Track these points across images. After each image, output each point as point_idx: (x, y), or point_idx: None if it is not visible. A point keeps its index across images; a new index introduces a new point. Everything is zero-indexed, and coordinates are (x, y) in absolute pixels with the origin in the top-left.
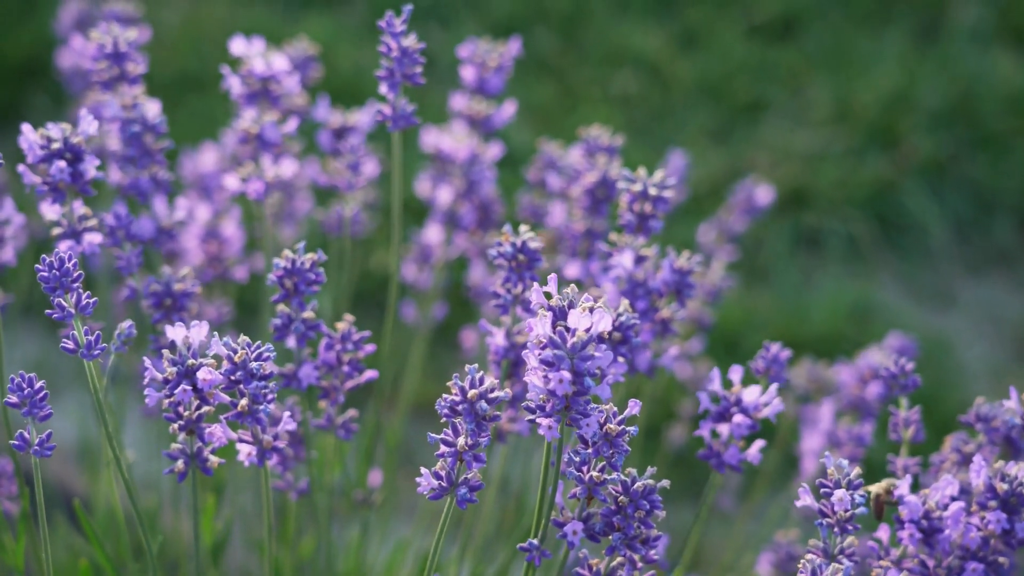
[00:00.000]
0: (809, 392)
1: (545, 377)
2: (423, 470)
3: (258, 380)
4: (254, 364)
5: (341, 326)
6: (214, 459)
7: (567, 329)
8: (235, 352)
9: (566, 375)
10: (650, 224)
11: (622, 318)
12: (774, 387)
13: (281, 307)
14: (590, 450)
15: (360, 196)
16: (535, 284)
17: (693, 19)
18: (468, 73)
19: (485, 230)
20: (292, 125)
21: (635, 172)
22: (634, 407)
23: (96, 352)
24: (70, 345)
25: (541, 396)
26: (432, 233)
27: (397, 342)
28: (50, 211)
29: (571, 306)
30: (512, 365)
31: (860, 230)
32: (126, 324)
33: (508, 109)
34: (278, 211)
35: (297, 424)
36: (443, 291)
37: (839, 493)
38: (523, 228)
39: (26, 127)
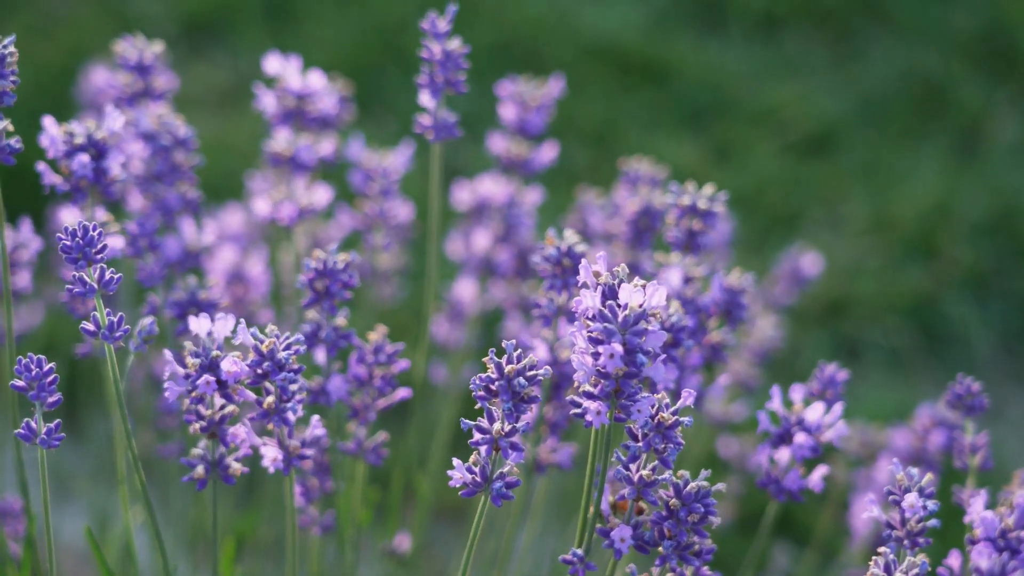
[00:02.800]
0: (862, 457)
1: (595, 354)
2: (455, 461)
3: (287, 372)
4: (282, 354)
5: (373, 336)
6: (236, 466)
7: (618, 305)
8: (262, 342)
9: (618, 348)
10: (699, 241)
11: (673, 319)
12: (838, 406)
13: (310, 314)
14: (640, 444)
15: (391, 262)
16: (584, 260)
17: (726, 135)
18: (508, 112)
19: (523, 279)
20: (328, 148)
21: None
22: (688, 397)
23: (118, 335)
24: (90, 327)
25: (590, 380)
26: (465, 287)
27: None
28: (70, 216)
29: (621, 284)
30: (554, 387)
31: (901, 340)
32: (147, 320)
33: (548, 151)
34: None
35: (323, 451)
36: (475, 351)
37: (910, 498)
38: (568, 232)
39: (48, 120)
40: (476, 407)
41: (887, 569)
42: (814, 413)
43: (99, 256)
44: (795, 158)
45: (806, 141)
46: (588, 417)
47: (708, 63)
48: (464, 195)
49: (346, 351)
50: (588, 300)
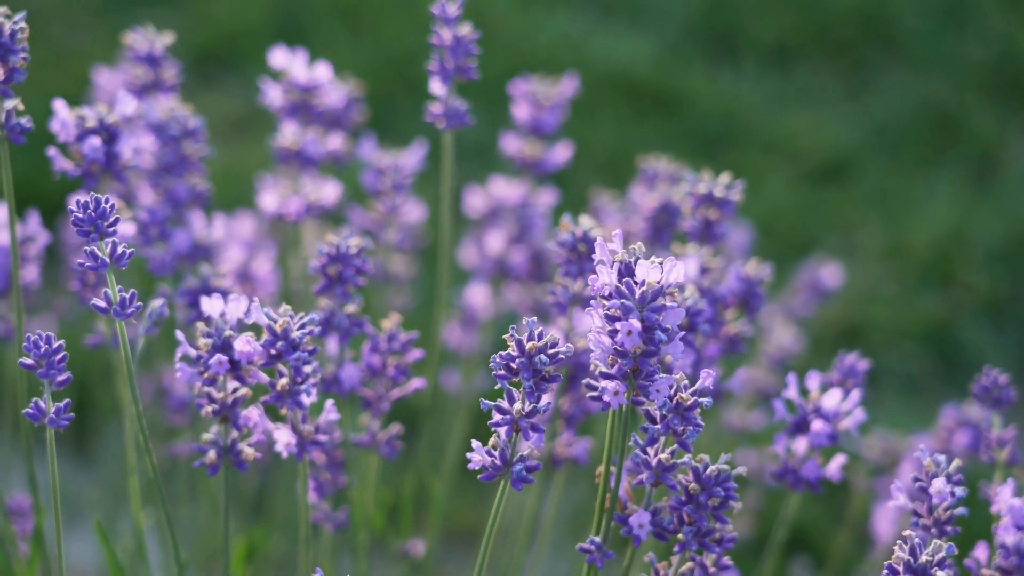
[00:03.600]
0: (883, 465)
1: (612, 332)
2: (475, 443)
3: (300, 352)
4: (296, 334)
5: (387, 324)
6: (249, 451)
7: (635, 282)
8: (276, 321)
9: (635, 324)
10: (716, 231)
11: (689, 302)
12: (856, 393)
13: (323, 301)
14: (659, 426)
15: (403, 265)
16: (599, 239)
17: (738, 164)
18: (521, 111)
19: (537, 282)
20: (336, 142)
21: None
22: (706, 378)
23: (130, 311)
24: (102, 304)
25: (607, 360)
26: (478, 292)
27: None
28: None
29: (638, 261)
30: (570, 378)
31: (917, 367)
32: (158, 302)
33: (562, 152)
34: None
35: (336, 445)
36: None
37: (937, 483)
38: (584, 218)
39: (59, 103)
40: (496, 387)
41: (913, 552)
42: (831, 400)
43: (111, 229)
44: (809, 186)
45: (820, 169)
46: (605, 398)
47: (720, 92)
48: (476, 201)
49: (359, 340)
50: (604, 276)
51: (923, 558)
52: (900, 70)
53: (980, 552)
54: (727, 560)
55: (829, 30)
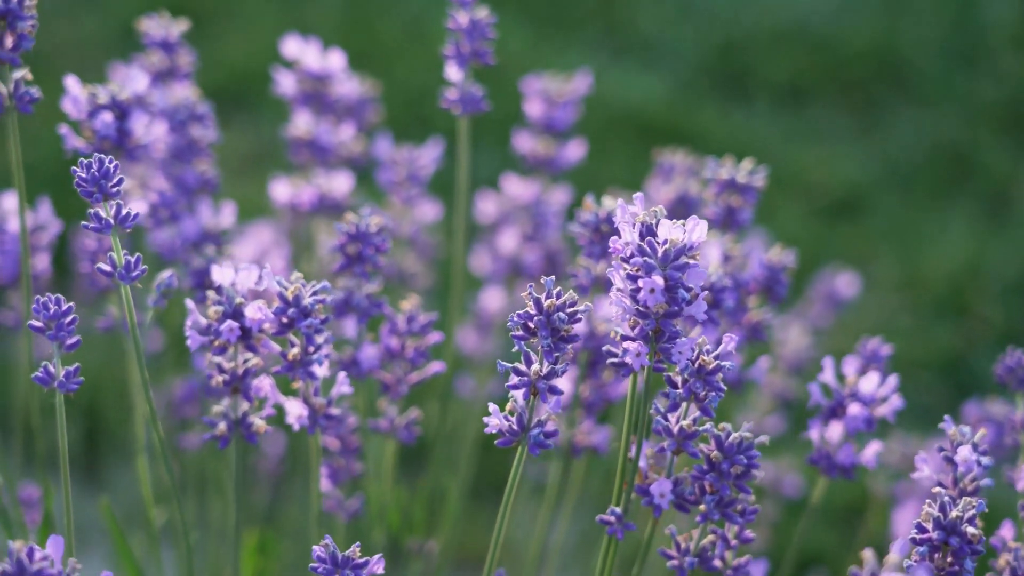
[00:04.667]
0: (902, 471)
1: (633, 291)
2: (492, 407)
3: (312, 319)
4: (308, 300)
5: (406, 305)
6: (260, 423)
7: (658, 241)
8: (287, 288)
9: (658, 281)
10: (739, 217)
11: (713, 278)
12: (893, 378)
13: (342, 282)
14: (680, 390)
15: (417, 264)
16: (620, 201)
17: None
18: (534, 108)
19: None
20: (348, 131)
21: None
22: (729, 342)
23: (135, 274)
24: (107, 267)
25: (628, 321)
26: (492, 296)
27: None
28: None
29: (660, 221)
30: (590, 364)
31: (932, 398)
32: (166, 274)
33: (575, 149)
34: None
35: (351, 431)
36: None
37: (963, 451)
38: (606, 198)
39: (71, 80)
40: (514, 350)
41: (943, 509)
42: (869, 384)
43: (115, 190)
44: (822, 220)
45: (833, 204)
46: (627, 359)
47: (733, 129)
48: (489, 206)
49: (376, 326)
50: (627, 235)
51: (953, 514)
52: (912, 109)
53: (1006, 530)
54: (749, 533)
55: (841, 70)
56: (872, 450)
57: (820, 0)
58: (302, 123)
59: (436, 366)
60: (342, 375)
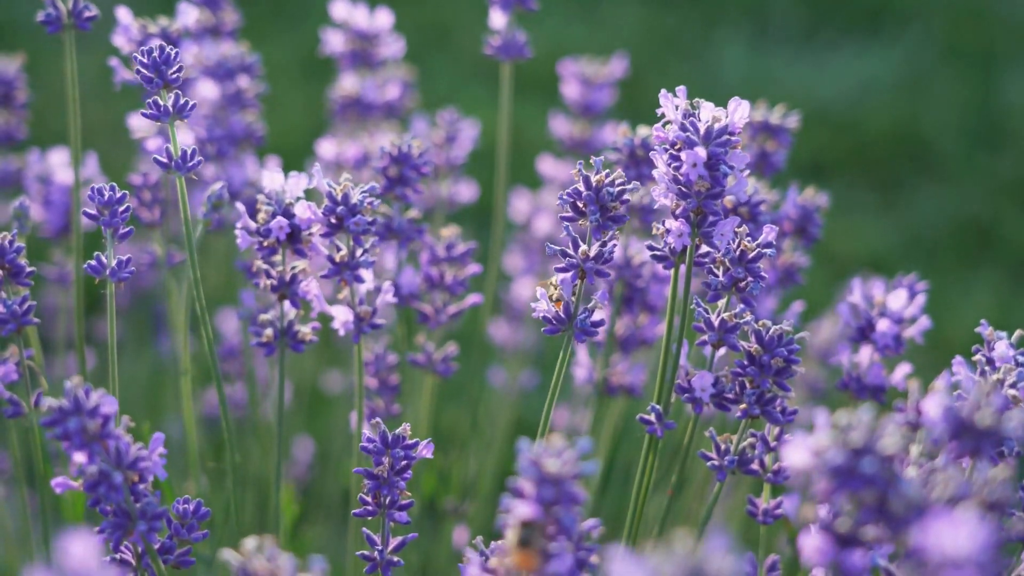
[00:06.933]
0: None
1: (676, 167)
2: (538, 291)
3: (360, 217)
4: (357, 197)
5: (446, 232)
6: (306, 330)
7: (700, 120)
8: (336, 187)
9: (700, 153)
10: (773, 160)
11: (749, 191)
12: (921, 297)
13: (382, 208)
14: (722, 278)
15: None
16: (663, 91)
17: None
18: (571, 90)
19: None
20: (395, 91)
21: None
22: (770, 232)
23: (192, 164)
24: (163, 159)
25: (671, 202)
26: (525, 286)
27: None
28: (138, 120)
29: (702, 105)
30: (625, 300)
31: None
32: (217, 186)
33: (611, 132)
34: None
35: (390, 367)
36: (535, 357)
37: (1000, 347)
38: (642, 128)
39: (122, 11)
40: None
41: (984, 373)
42: (897, 300)
43: (174, 77)
44: (846, 287)
45: (857, 272)
46: (670, 239)
47: None
48: (523, 204)
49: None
50: (670, 113)
51: (994, 377)
52: (934, 185)
53: None
54: (789, 436)
55: (864, 150)
56: (902, 372)
57: (841, 85)
58: (348, 84)
59: (474, 298)
60: (387, 284)
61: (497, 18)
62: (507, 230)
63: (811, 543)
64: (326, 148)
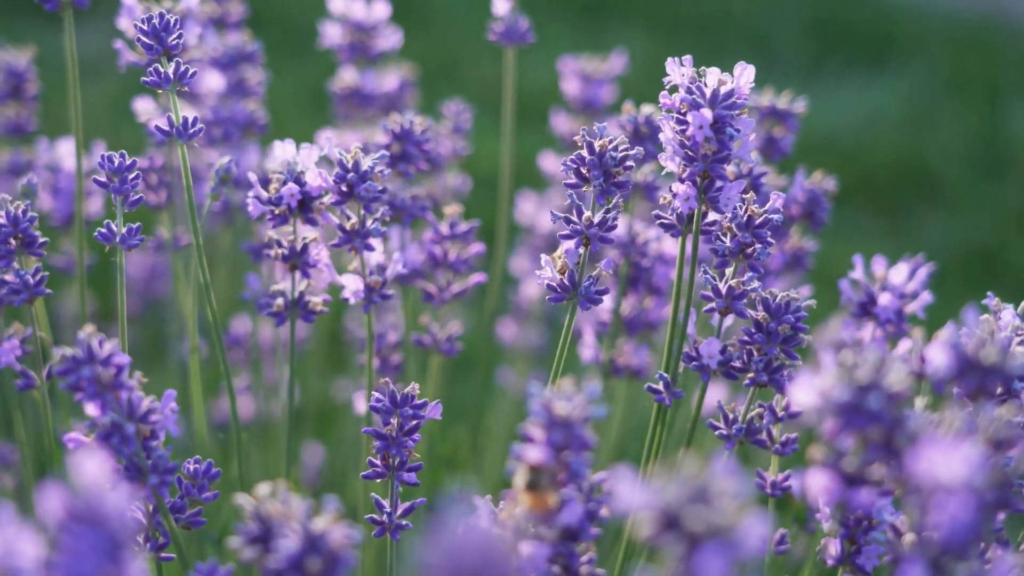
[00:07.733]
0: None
1: (682, 130)
2: (544, 258)
3: (371, 183)
4: (367, 164)
5: (449, 211)
6: (316, 300)
7: (706, 85)
8: (347, 155)
9: (706, 114)
10: (780, 145)
11: (753, 167)
12: (924, 271)
13: (387, 184)
14: (728, 242)
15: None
16: (670, 60)
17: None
18: (571, 87)
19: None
20: (393, 82)
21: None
22: (777, 199)
23: (192, 132)
24: (164, 126)
25: (678, 165)
26: (532, 286)
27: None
28: (144, 103)
29: (707, 72)
30: (631, 281)
31: None
32: (225, 160)
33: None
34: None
35: (393, 344)
36: (541, 355)
37: (1006, 315)
38: (646, 106)
39: None
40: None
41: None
42: (898, 275)
43: (175, 43)
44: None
45: None
46: (676, 203)
47: None
48: (528, 206)
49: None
50: (677, 76)
51: (1002, 335)
52: (939, 213)
53: None
54: (796, 408)
55: (869, 178)
56: (904, 347)
57: (847, 116)
58: (347, 76)
59: (478, 276)
60: (397, 254)
61: (500, 5)
62: (513, 233)
63: (818, 482)
64: (325, 138)
